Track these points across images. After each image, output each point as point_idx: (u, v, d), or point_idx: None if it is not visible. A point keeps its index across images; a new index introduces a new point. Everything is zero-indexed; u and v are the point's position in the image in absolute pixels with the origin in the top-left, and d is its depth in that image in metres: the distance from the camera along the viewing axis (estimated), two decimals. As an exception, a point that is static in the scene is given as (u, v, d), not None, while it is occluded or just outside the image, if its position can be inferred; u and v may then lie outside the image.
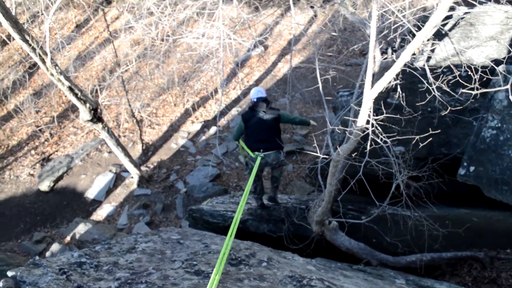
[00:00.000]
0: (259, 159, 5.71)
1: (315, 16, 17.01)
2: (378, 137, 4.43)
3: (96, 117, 9.48)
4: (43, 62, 8.23)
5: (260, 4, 13.46)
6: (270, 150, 5.84)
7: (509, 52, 5.53)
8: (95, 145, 12.81)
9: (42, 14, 8.95)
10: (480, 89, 4.22)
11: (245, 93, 14.65)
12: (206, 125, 13.22)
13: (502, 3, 6.05)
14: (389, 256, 5.22)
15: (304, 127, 12.19)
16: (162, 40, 14.58)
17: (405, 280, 4.50)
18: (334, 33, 12.56)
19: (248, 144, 5.97)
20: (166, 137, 13.05)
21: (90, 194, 11.38)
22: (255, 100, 6.11)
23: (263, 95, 6.17)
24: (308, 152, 7.11)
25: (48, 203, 11.32)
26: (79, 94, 8.91)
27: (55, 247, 9.63)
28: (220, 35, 9.51)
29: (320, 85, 6.10)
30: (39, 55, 8.06)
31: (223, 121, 13.29)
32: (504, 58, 5.55)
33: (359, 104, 4.82)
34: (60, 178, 11.87)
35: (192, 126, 13.29)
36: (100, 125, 9.68)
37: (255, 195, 6.58)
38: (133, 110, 12.85)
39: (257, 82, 15.10)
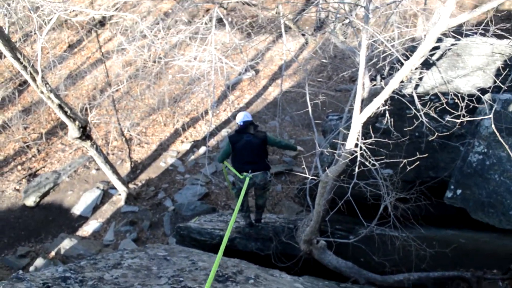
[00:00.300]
0: (247, 179, 5.82)
1: (306, 43, 17.31)
2: (366, 160, 4.47)
3: (85, 134, 9.45)
4: (34, 80, 8.22)
5: (252, 30, 13.64)
6: (258, 171, 5.98)
7: (494, 82, 5.68)
8: (83, 162, 12.69)
9: (35, 33, 8.98)
10: (467, 116, 4.31)
11: (235, 114, 14.73)
12: (196, 145, 13.21)
13: (488, 36, 6.23)
14: (377, 275, 5.21)
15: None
16: (154, 62, 14.70)
17: (393, 300, 4.47)
18: (324, 60, 12.77)
19: (236, 166, 6.07)
20: (155, 156, 12.99)
21: (77, 210, 11.22)
22: (241, 123, 6.22)
23: (249, 118, 6.27)
24: (297, 173, 7.14)
25: (33, 218, 11.11)
26: (69, 112, 8.88)
27: (39, 261, 9.41)
28: (212, 58, 9.61)
29: (309, 109, 6.16)
30: (30, 73, 8.06)
31: (212, 142, 13.28)
32: (489, 88, 5.71)
33: (348, 128, 4.87)
34: (46, 193, 11.69)
35: (181, 146, 13.26)
36: (88, 142, 9.63)
37: (242, 213, 6.64)
38: (122, 128, 12.82)
39: (248, 105, 15.20)
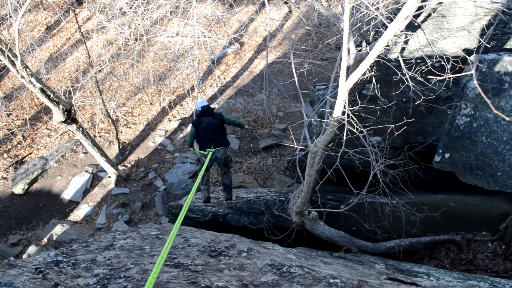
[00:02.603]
0: (210, 153, 6.57)
1: (290, 12, 17.07)
2: (354, 127, 4.47)
3: (70, 118, 9.31)
4: (13, 64, 8.03)
5: (234, 1, 13.42)
6: (219, 146, 6.72)
7: (479, 42, 5.65)
8: (70, 146, 12.57)
9: (11, 16, 8.73)
10: (453, 78, 4.30)
11: (222, 90, 14.61)
12: (184, 122, 13.14)
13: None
14: (369, 242, 5.29)
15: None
16: (136, 39, 14.42)
17: (385, 264, 4.55)
18: (308, 27, 12.64)
19: (201, 145, 6.82)
20: (143, 136, 12.92)
21: (67, 195, 11.18)
22: (200, 109, 7.06)
23: (206, 103, 7.15)
24: (287, 145, 7.16)
25: (23, 206, 11.06)
26: (52, 95, 8.72)
27: (31, 249, 9.41)
28: (195, 33, 9.46)
29: (296, 79, 6.13)
30: (8, 57, 7.86)
31: (214, 107, 13.24)
32: (475, 48, 5.68)
33: (335, 96, 4.86)
34: (34, 180, 11.61)
35: (169, 124, 13.19)
36: (74, 126, 9.50)
37: (203, 185, 7.27)
38: (108, 110, 12.66)
39: (234, 79, 15.08)
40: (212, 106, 7.11)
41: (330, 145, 4.97)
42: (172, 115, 13.57)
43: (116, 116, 13.38)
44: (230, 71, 15.34)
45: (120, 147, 12.41)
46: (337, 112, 4.55)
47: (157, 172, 11.53)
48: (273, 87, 13.73)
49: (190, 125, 7.55)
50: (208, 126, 6.84)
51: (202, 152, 6.81)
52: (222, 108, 13.68)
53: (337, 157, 4.63)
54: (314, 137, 6.18)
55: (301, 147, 5.61)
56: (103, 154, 10.59)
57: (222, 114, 7.12)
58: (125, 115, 13.51)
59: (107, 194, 11.08)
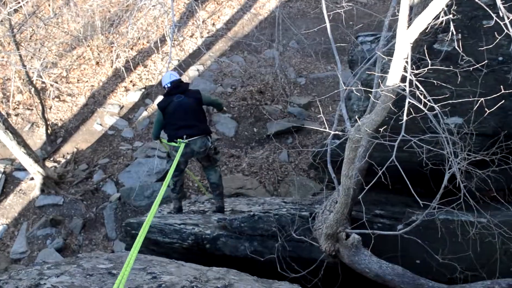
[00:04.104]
0: (182, 145, 6.84)
1: None
2: (420, 102, 4.41)
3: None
4: None
5: None
6: (195, 135, 7.06)
7: None
8: (-30, 129, 12.59)
9: None
10: None
11: (210, 42, 14.56)
12: (149, 93, 13.16)
13: None
14: (443, 284, 5.27)
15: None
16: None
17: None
18: None
19: (170, 133, 7.21)
20: (85, 115, 12.93)
21: (-37, 207, 11.21)
22: (168, 85, 7.39)
23: (177, 77, 7.50)
24: (312, 128, 7.15)
25: None
26: None
27: None
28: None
29: (328, 26, 6.07)
30: None
31: (188, 82, 13.24)
32: None
33: (390, 53, 4.79)
34: None
35: (126, 96, 13.21)
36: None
37: (174, 193, 7.71)
38: (29, 73, 12.62)
39: (229, 25, 15.04)
40: (177, 83, 7.44)
41: (381, 130, 4.93)
42: (131, 81, 13.57)
43: (43, 83, 13.37)
44: (223, 13, 15.30)
45: (49, 131, 12.40)
46: (393, 78, 4.50)
47: (107, 171, 11.56)
48: (291, 38, 13.68)
49: (156, 107, 7.93)
50: (181, 108, 7.12)
51: (172, 144, 7.12)
52: (210, 71, 13.64)
53: (392, 149, 4.59)
54: (355, 117, 6.14)
55: (335, 133, 5.57)
56: (22, 142, 10.57)
57: (199, 91, 7.46)
58: (56, 82, 13.50)
59: (29, 205, 11.10)
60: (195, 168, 11.04)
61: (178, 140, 6.95)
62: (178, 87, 7.30)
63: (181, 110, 7.10)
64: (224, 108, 8.32)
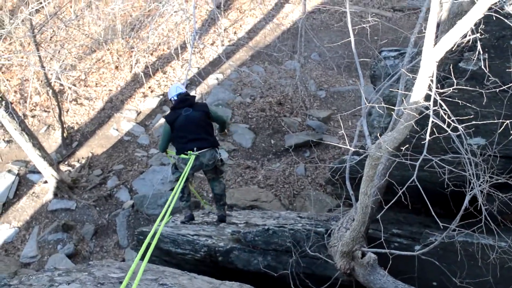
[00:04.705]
0: (193, 157, 7.03)
1: None
2: (444, 122, 4.40)
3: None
4: None
5: None
6: (204, 148, 7.24)
7: None
8: (-15, 129, 12.69)
9: None
10: None
11: (231, 51, 14.60)
12: (167, 100, 13.16)
13: None
14: (460, 309, 5.23)
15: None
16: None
17: None
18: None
19: (179, 147, 7.36)
20: (101, 119, 12.98)
21: (-24, 207, 11.27)
22: (175, 97, 7.58)
23: (183, 90, 7.68)
24: (331, 143, 7.15)
25: None
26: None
27: None
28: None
29: (352, 39, 6.07)
30: None
31: (193, 94, 13.24)
32: None
33: (415, 70, 4.79)
34: None
35: (144, 102, 13.26)
36: (-8, 97, 9.59)
37: (182, 201, 7.80)
38: (48, 74, 12.72)
39: (250, 35, 15.08)
40: (184, 97, 7.62)
41: (402, 149, 4.92)
42: (149, 87, 13.62)
43: (61, 85, 13.44)
44: (245, 22, 15.33)
45: (65, 135, 12.47)
46: (416, 96, 4.49)
47: (121, 177, 11.58)
48: (313, 50, 13.68)
49: (163, 121, 7.84)
50: (189, 121, 7.29)
51: (182, 156, 7.25)
52: (229, 80, 13.67)
53: (412, 168, 4.58)
54: (376, 133, 6.14)
55: (355, 149, 5.56)
56: (38, 145, 10.63)
57: (207, 104, 7.73)
58: (74, 85, 13.59)
59: (41, 209, 11.13)
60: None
61: (189, 152, 7.09)
62: (185, 100, 7.46)
63: (190, 123, 7.26)
64: (226, 130, 8.47)
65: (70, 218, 10.83)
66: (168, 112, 7.57)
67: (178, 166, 7.50)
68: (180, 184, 6.10)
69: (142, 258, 6.90)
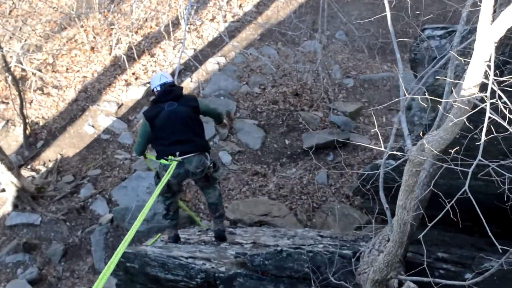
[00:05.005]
0: (174, 164, 6.99)
1: None
2: (504, 118, 4.38)
3: None
4: None
5: None
6: (190, 152, 7.18)
7: None
8: None
9: None
10: None
11: (235, 29, 14.61)
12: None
13: None
14: None
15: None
16: None
17: None
18: None
19: (159, 149, 7.40)
20: (73, 113, 13.03)
21: None
22: (158, 88, 7.58)
23: (169, 79, 7.66)
24: (360, 145, 7.14)
25: None
26: None
27: None
28: None
29: (388, 14, 6.07)
30: None
31: (188, 83, 13.25)
32: None
33: (466, 53, 4.77)
34: None
35: (126, 92, 13.37)
36: None
37: (167, 219, 7.93)
38: (6, 57, 12.74)
39: (259, 9, 15.09)
40: (169, 88, 7.60)
41: (451, 151, 4.91)
42: (134, 74, 13.71)
43: (23, 70, 13.48)
44: (252, -8, 15.36)
45: (28, 132, 12.50)
46: (469, 85, 4.48)
47: (97, 185, 11.61)
48: (338, 28, 13.69)
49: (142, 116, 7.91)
50: (172, 118, 7.25)
51: (162, 161, 7.27)
52: (233, 65, 13.66)
53: (463, 176, 4.57)
54: (418, 132, 6.13)
55: (391, 152, 5.56)
56: (-6, 144, 10.66)
57: (196, 97, 7.83)
58: (40, 70, 13.62)
59: (-3, 224, 11.15)
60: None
61: (170, 157, 7.06)
62: (170, 92, 7.42)
63: (173, 121, 7.21)
64: (225, 121, 8.43)
65: (33, 235, 10.84)
66: (147, 107, 7.56)
67: (159, 174, 7.46)
68: (153, 198, 6.13)
69: (122, 285, 6.92)
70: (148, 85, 13.25)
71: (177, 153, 7.01)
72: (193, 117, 7.36)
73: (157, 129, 7.22)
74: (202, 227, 9.34)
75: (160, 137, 7.26)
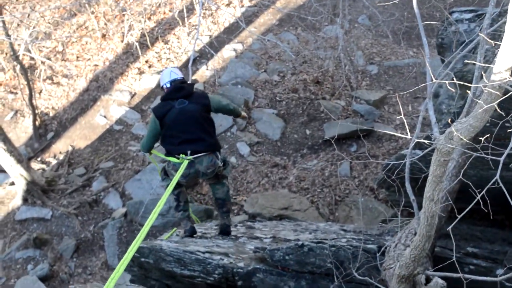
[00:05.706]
0: (185, 162, 7.05)
1: None
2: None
3: None
4: None
5: None
6: (201, 152, 7.25)
7: None
8: None
9: None
10: None
11: (253, 14, 14.60)
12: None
13: None
14: None
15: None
16: None
17: None
18: None
19: (169, 149, 7.46)
20: (84, 103, 13.07)
21: None
22: (168, 85, 7.63)
23: (179, 76, 7.73)
24: (385, 133, 7.12)
25: None
26: None
27: None
28: None
29: (414, -2, 6.04)
30: None
31: (204, 71, 13.23)
32: None
33: (496, 36, 4.73)
34: None
35: (139, 81, 13.40)
36: None
37: (179, 211, 7.88)
38: (14, 45, 12.78)
39: (278, -8, 15.04)
40: (179, 85, 7.62)
41: (482, 139, 4.88)
42: (147, 62, 13.71)
43: (32, 59, 13.51)
44: (271, -24, 15.32)
45: (38, 123, 12.53)
46: (500, 70, 4.45)
47: (110, 178, 11.65)
48: (360, 12, 13.64)
49: (151, 114, 7.82)
50: (183, 116, 7.30)
51: (172, 159, 7.33)
52: (251, 52, 13.64)
53: (494, 166, 4.55)
54: (446, 120, 6.10)
55: (418, 140, 5.53)
56: (1, 136, 10.68)
57: (207, 95, 7.85)
58: (49, 58, 13.65)
59: (7, 218, 11.24)
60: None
61: (181, 155, 7.12)
62: (180, 89, 7.46)
63: (184, 119, 7.28)
64: (244, 113, 8.44)
65: (44, 230, 10.88)
66: (157, 102, 7.54)
67: (168, 172, 7.62)
68: (165, 196, 6.17)
69: (137, 281, 6.93)
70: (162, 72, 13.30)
71: (188, 152, 7.09)
72: (204, 116, 7.44)
73: (167, 127, 7.31)
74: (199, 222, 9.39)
75: (170, 135, 7.34)
